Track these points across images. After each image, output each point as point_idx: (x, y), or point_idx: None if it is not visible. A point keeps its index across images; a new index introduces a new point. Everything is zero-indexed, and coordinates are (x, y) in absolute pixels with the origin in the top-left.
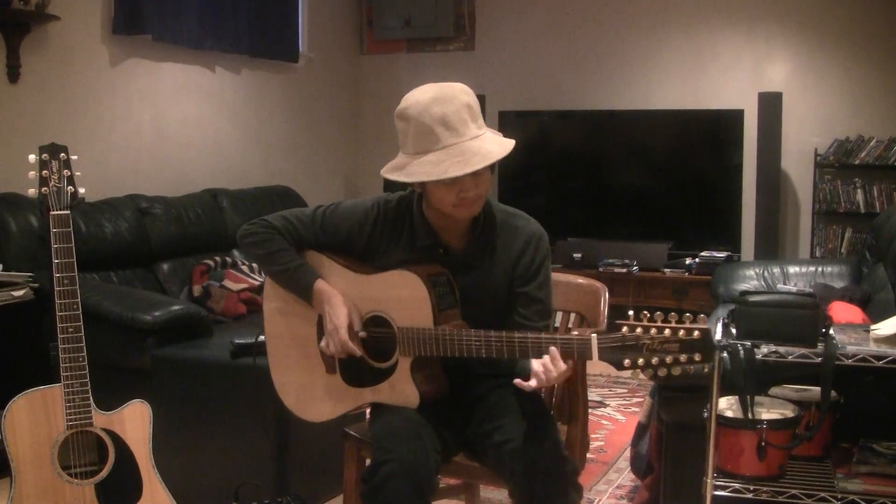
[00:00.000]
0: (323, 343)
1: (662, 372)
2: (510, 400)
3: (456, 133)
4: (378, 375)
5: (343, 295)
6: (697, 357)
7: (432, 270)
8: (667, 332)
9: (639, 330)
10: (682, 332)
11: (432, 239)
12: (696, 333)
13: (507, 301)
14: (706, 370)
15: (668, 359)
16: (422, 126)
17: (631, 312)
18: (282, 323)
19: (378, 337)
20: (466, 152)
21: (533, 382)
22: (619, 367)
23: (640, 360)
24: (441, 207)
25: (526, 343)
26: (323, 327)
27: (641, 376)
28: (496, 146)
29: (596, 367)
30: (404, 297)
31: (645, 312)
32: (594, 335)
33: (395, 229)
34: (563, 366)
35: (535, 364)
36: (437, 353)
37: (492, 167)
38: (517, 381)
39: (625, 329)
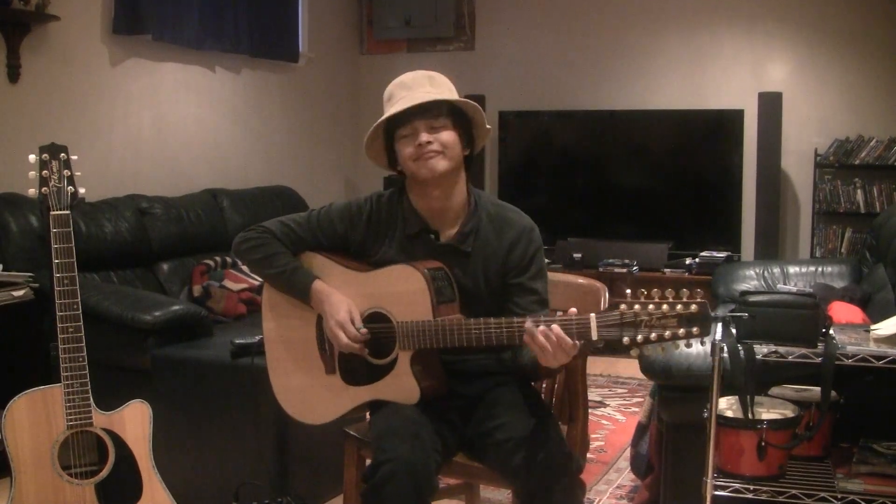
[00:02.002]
0: (334, 342)
1: (661, 349)
2: (511, 398)
3: (409, 90)
4: (378, 372)
5: (341, 293)
6: (696, 330)
7: (430, 265)
8: (664, 307)
9: (637, 307)
10: (679, 307)
11: (421, 225)
12: (693, 307)
13: (501, 292)
14: (704, 343)
15: (667, 333)
16: (386, 93)
17: (629, 291)
18: (280, 327)
19: (377, 334)
20: (414, 98)
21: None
22: (619, 345)
23: (640, 337)
24: (407, 167)
25: (525, 327)
26: (324, 327)
27: (640, 352)
28: (448, 95)
29: (596, 367)
30: (403, 291)
31: (642, 290)
32: (593, 314)
33: (388, 222)
34: (568, 341)
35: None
36: (438, 344)
37: (460, 133)
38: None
39: (623, 307)
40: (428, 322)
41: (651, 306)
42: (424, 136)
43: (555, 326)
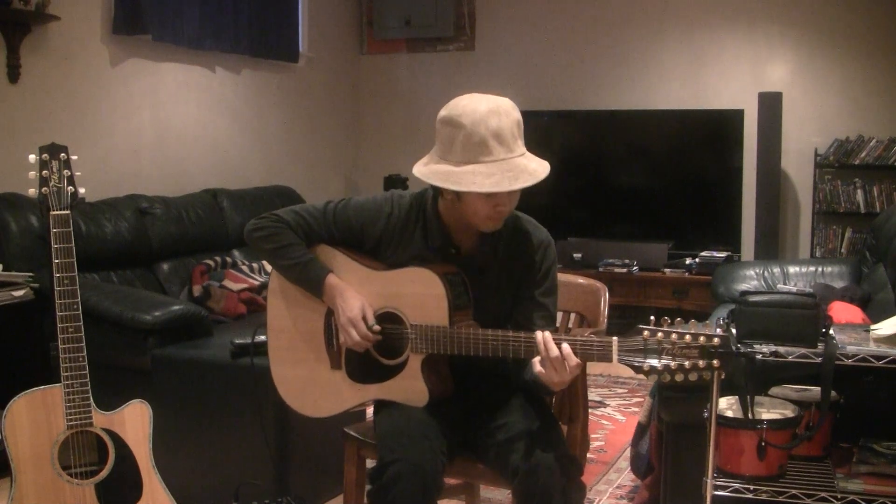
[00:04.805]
0: (342, 338)
1: (679, 377)
2: (513, 399)
3: (507, 148)
4: (385, 372)
5: (355, 290)
6: (716, 363)
7: (447, 269)
8: (687, 338)
9: (659, 335)
10: (702, 339)
11: (444, 239)
12: (715, 340)
13: (512, 303)
14: (722, 377)
15: (687, 364)
16: (476, 136)
17: (652, 318)
18: (287, 317)
19: (387, 333)
20: (515, 168)
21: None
22: (638, 370)
23: (659, 365)
24: (472, 218)
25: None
26: (335, 321)
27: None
28: (538, 166)
29: (596, 367)
30: (419, 293)
31: (665, 318)
32: (615, 339)
33: (407, 227)
34: (574, 360)
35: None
36: (453, 351)
37: None
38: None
39: (646, 333)
40: (444, 328)
41: (674, 335)
42: (507, 207)
43: (565, 345)
